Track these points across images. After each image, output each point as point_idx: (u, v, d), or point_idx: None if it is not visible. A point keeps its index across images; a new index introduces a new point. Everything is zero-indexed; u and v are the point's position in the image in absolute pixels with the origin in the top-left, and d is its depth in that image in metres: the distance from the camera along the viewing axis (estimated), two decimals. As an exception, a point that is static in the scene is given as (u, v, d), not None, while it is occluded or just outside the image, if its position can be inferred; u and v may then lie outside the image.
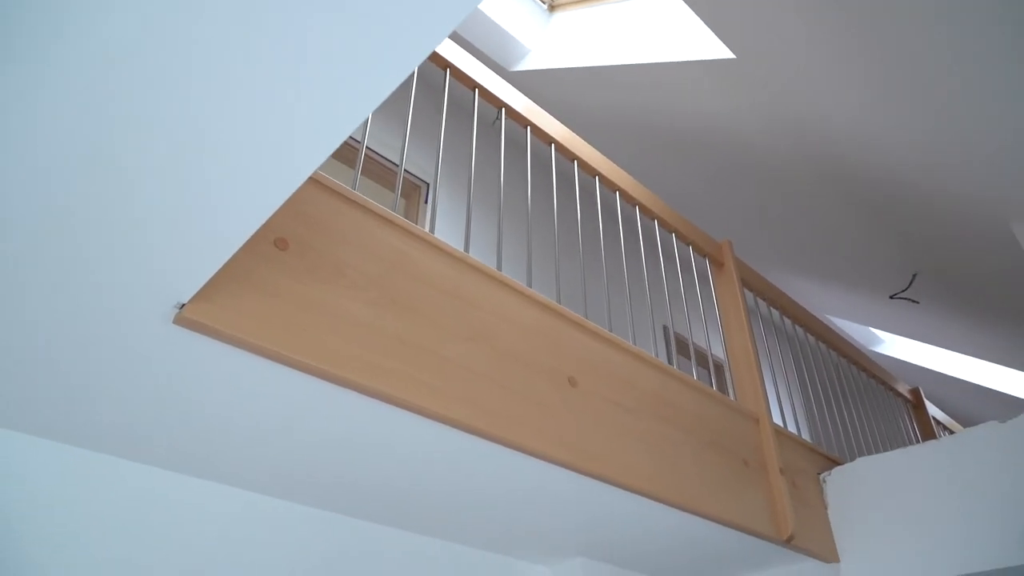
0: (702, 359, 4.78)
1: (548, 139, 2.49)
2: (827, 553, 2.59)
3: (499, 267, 2.03)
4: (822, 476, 2.83)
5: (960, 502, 2.42)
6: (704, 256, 3.05)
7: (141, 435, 1.69)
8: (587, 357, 2.06)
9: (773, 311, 3.43)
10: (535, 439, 1.77)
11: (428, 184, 3.93)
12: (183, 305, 1.30)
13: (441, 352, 1.67)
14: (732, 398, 2.72)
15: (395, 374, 1.55)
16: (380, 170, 3.72)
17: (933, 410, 4.62)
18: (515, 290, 1.96)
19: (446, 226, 3.59)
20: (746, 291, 3.15)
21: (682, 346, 4.67)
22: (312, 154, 1.11)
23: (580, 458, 1.86)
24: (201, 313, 1.31)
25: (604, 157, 2.70)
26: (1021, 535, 2.20)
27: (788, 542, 2.43)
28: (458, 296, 1.78)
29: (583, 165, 2.60)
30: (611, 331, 2.26)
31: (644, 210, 2.79)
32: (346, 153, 3.44)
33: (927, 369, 6.34)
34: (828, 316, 5.84)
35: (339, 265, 1.57)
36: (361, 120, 1.07)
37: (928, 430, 4.32)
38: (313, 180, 1.59)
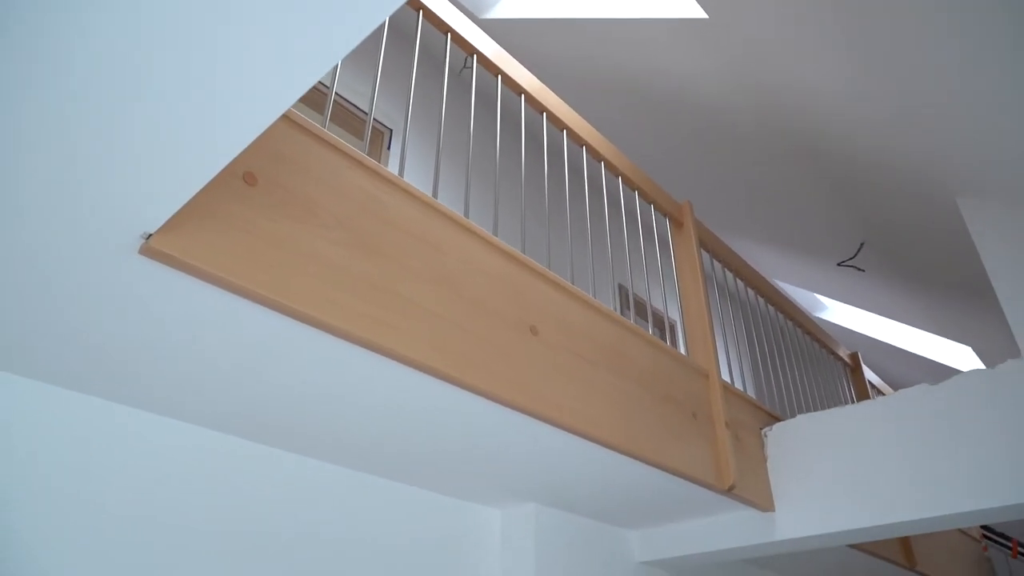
0: (656, 320, 4.89)
1: (518, 89, 2.48)
2: (764, 502, 2.73)
3: (466, 215, 2.04)
4: (764, 431, 2.97)
5: (887, 458, 2.58)
6: (665, 215, 3.11)
7: (104, 370, 1.68)
8: (549, 308, 2.11)
9: (727, 273, 3.53)
10: (496, 384, 1.81)
11: (391, 131, 3.88)
12: (149, 236, 1.28)
13: (408, 295, 1.68)
14: (684, 354, 2.81)
15: (362, 315, 1.56)
16: (343, 114, 3.65)
17: (869, 374, 4.85)
18: (482, 238, 1.97)
19: (409, 174, 3.56)
20: (702, 252, 3.23)
21: (637, 307, 4.77)
22: (286, 90, 1.09)
23: (538, 405, 1.92)
24: (168, 244, 1.30)
25: (573, 111, 2.70)
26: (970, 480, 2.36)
27: (729, 491, 2.56)
28: (426, 241, 1.80)
29: (552, 118, 2.60)
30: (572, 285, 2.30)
31: (609, 166, 2.81)
32: (313, 97, 3.38)
33: (866, 336, 6.62)
34: (778, 281, 6.03)
35: (308, 204, 1.56)
36: (339, 58, 1.06)
37: (863, 392, 4.54)
38: (284, 117, 1.56)
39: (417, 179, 3.52)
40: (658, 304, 5.23)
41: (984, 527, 6.09)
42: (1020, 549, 6.03)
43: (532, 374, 1.94)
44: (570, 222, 2.54)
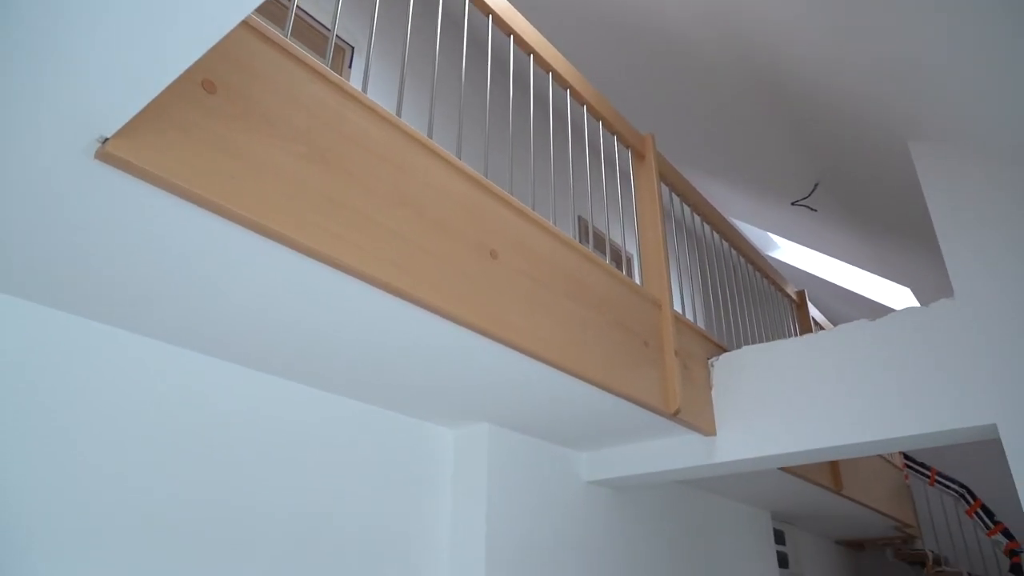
0: (613, 253, 4.96)
1: (486, 9, 2.43)
2: (707, 427, 2.87)
3: (430, 135, 2.03)
4: (710, 360, 3.10)
5: (822, 388, 2.72)
6: (627, 147, 3.12)
7: (55, 279, 1.65)
8: (509, 232, 2.13)
9: (685, 207, 3.59)
10: (455, 304, 1.84)
11: (353, 48, 3.76)
12: (105, 140, 1.25)
13: (369, 214, 1.68)
14: (639, 284, 2.88)
15: (322, 230, 1.56)
16: (304, 30, 3.52)
17: (814, 312, 5.05)
18: (446, 160, 1.97)
19: (371, 94, 3.48)
20: (662, 185, 3.27)
21: (596, 239, 4.83)
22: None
23: (496, 326, 1.96)
24: (124, 149, 1.27)
25: (540, 35, 2.66)
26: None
27: (674, 416, 2.68)
28: (389, 160, 1.79)
29: (519, 41, 2.56)
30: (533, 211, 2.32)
31: (575, 94, 2.80)
32: (274, 11, 3.24)
33: (813, 275, 6.85)
34: (733, 219, 6.14)
35: (269, 115, 1.53)
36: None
37: (807, 328, 4.74)
38: (246, 25, 1.51)
39: (379, 99, 3.45)
40: (616, 237, 5.29)
41: (906, 456, 6.52)
42: (938, 478, 6.49)
43: (491, 296, 1.97)
44: (533, 150, 2.54)
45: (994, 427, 2.36)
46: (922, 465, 6.56)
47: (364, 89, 1.88)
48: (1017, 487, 2.26)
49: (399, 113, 1.95)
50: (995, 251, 2.53)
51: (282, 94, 1.57)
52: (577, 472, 3.21)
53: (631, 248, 5.34)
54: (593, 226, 4.98)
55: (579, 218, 4.88)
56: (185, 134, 1.36)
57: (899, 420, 2.52)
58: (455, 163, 2.00)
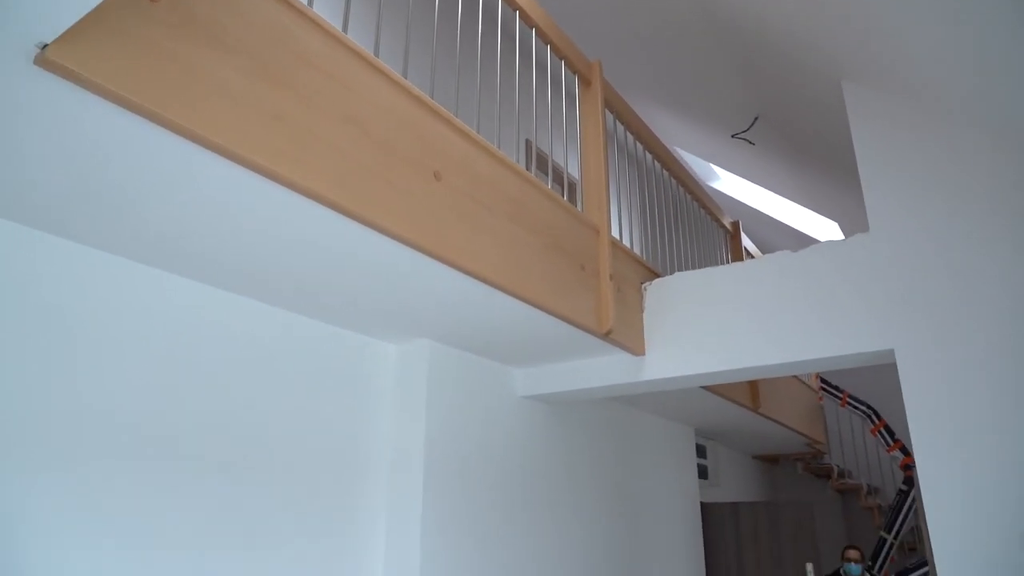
0: (557, 176, 5.02)
1: (436, -77, 2.38)
2: (636, 347, 3.05)
3: (376, 54, 2.02)
4: (643, 285, 3.25)
5: (746, 313, 2.91)
6: (574, 73, 3.15)
7: (-11, 181, 1.64)
8: (453, 154, 2.18)
9: (628, 135, 3.66)
10: (399, 223, 1.90)
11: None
12: (45, 46, 1.24)
13: (313, 131, 1.71)
14: (579, 209, 2.98)
15: (264, 144, 1.58)
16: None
17: (747, 242, 5.27)
18: (392, 80, 1.98)
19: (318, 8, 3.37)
20: (607, 112, 3.33)
21: (541, 163, 4.87)
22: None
23: (439, 246, 2.03)
24: (64, 56, 1.26)
25: (491, -47, 2.62)
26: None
27: (606, 336, 2.84)
28: (334, 78, 1.79)
29: (469, -42, 2.52)
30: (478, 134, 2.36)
31: (524, 16, 2.79)
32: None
33: (749, 206, 7.08)
34: (676, 148, 6.25)
35: (213, 27, 1.52)
36: None
37: (739, 257, 4.96)
38: (185, -73, 1.48)
39: (326, 15, 3.35)
40: (562, 161, 5.35)
41: (822, 380, 6.99)
42: (849, 399, 6.99)
43: (434, 217, 2.04)
44: (480, 72, 2.55)
45: (892, 352, 2.59)
46: (836, 388, 7.05)
47: (310, 3, 1.86)
48: (906, 405, 2.52)
49: (345, 30, 1.94)
50: (911, 191, 2.71)
51: (226, 6, 1.55)
52: (513, 387, 3.38)
53: (574, 171, 5.41)
54: (537, 148, 5.01)
55: (526, 141, 4.89)
56: (126, 42, 1.35)
57: (810, 344, 2.74)
58: (401, 83, 2.02)
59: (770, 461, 7.32)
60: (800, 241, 7.02)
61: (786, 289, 2.86)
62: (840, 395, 7.06)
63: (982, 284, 2.48)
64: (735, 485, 6.36)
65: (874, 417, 6.95)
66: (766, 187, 6.21)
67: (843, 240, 2.83)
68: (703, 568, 4.94)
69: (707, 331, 2.99)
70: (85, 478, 1.86)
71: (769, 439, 5.80)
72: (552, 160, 2.99)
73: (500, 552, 3.02)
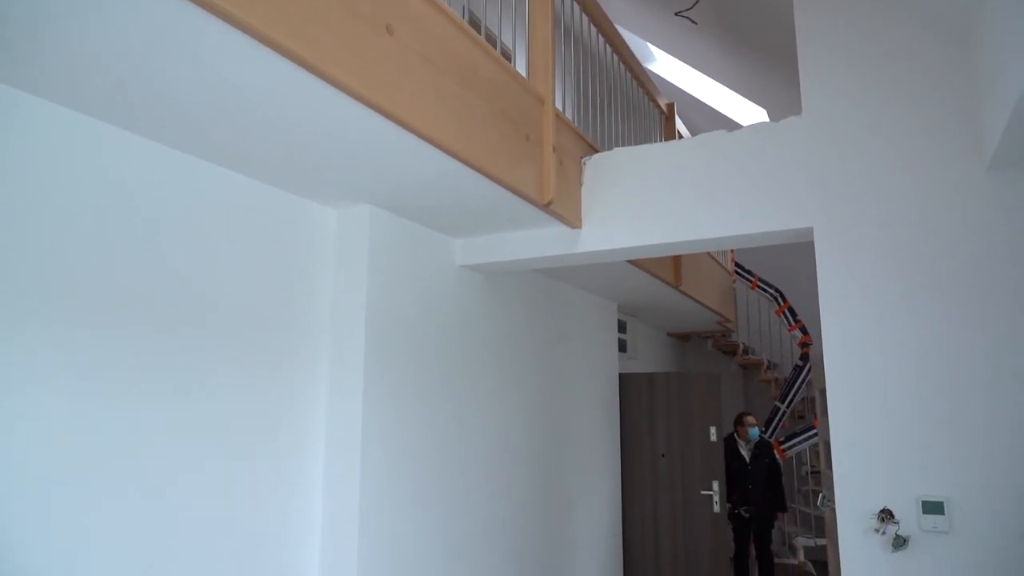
0: (503, 51, 4.88)
1: None
2: (574, 220, 3.13)
3: None
4: (583, 159, 3.29)
5: (679, 189, 3.02)
6: (525, -69, 3.01)
7: None
8: (406, 9, 2.09)
9: (574, 7, 3.57)
10: (349, 75, 1.85)
11: None
12: None
13: (264, -32, 1.60)
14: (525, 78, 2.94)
15: (216, -19, 1.49)
16: None
17: (680, 125, 5.35)
18: (342, -82, 1.85)
19: None
20: (556, -22, 3.22)
21: (474, 28, 4.70)
22: None
23: (387, 101, 1.99)
24: None
25: None
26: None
27: (547, 206, 2.90)
28: (283, -91, 1.66)
29: None
30: (429, -12, 2.26)
31: None
32: None
33: (683, 90, 7.12)
34: (617, 25, 6.14)
35: None
36: None
37: (672, 139, 5.05)
38: None
39: None
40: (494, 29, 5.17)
41: (736, 263, 7.38)
42: (759, 282, 7.44)
43: (384, 71, 1.98)
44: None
45: (810, 230, 2.78)
46: (748, 272, 7.47)
47: None
48: (819, 280, 2.73)
49: None
50: (846, 78, 2.80)
51: None
52: (451, 257, 3.43)
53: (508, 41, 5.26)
54: (470, 12, 4.82)
55: (470, 13, 4.69)
56: None
57: (738, 220, 2.89)
58: (352, -77, 1.89)
59: (682, 338, 7.81)
60: (729, 128, 7.16)
61: (719, 168, 2.97)
62: (751, 278, 7.51)
63: (904, 174, 2.65)
64: (651, 359, 6.78)
65: (780, 299, 7.45)
66: (701, 70, 6.24)
67: (776, 122, 2.93)
68: (618, 429, 5.35)
69: (642, 206, 3.09)
70: (23, 331, 1.82)
71: (685, 316, 6.16)
72: (485, 26, 2.91)
73: (438, 411, 3.18)
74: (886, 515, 2.48)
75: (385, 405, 2.86)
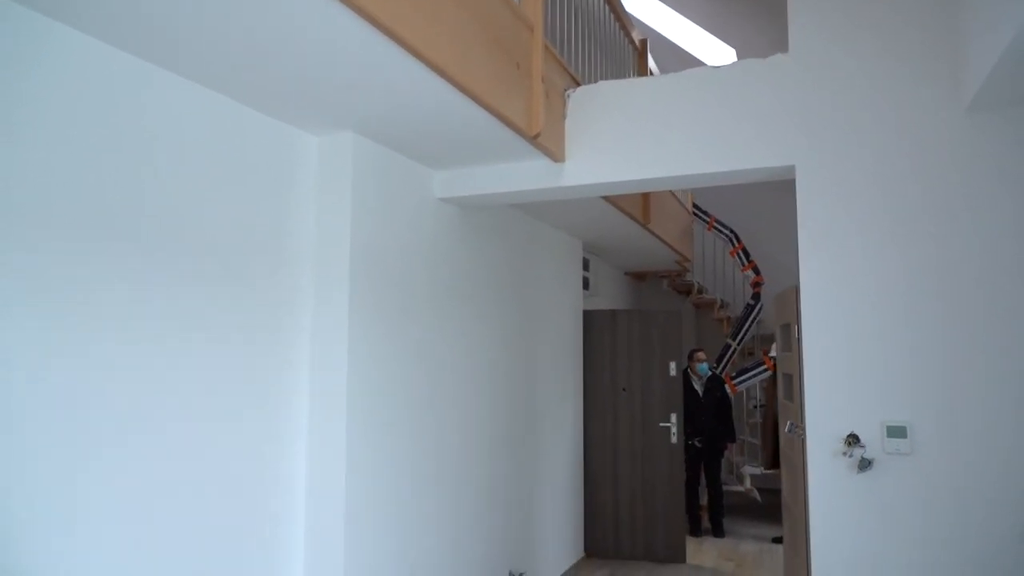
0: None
1: None
2: (558, 154, 3.11)
3: None
4: (567, 92, 3.26)
5: (664, 125, 3.03)
6: None
7: None
8: (408, -80, 1.99)
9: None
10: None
11: None
12: None
13: None
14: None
15: None
16: None
17: (651, 63, 5.32)
18: None
19: None
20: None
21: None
22: None
23: (388, 17, 1.91)
24: None
25: None
26: None
27: (535, 139, 2.87)
28: None
29: None
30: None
31: None
32: None
33: (652, 28, 7.05)
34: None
35: None
36: None
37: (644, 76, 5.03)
38: None
39: None
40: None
41: (694, 204, 7.50)
42: (715, 224, 7.60)
43: (388, -13, 1.90)
44: None
45: (792, 168, 2.84)
46: (705, 212, 7.61)
47: None
48: (799, 218, 2.81)
49: None
50: (833, 16, 2.82)
51: None
52: (430, 189, 3.38)
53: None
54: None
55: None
56: None
57: (721, 157, 2.93)
58: None
59: (638, 278, 7.95)
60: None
61: (705, 104, 2.99)
62: (708, 219, 7.65)
63: (885, 115, 2.72)
64: (610, 297, 6.90)
65: (734, 240, 7.64)
66: (671, 6, 6.18)
67: (762, 60, 2.95)
68: (582, 364, 5.48)
69: (627, 141, 3.09)
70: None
71: (647, 255, 6.27)
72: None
73: (419, 341, 3.19)
74: (852, 439, 2.64)
75: (370, 332, 2.85)
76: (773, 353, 6.49)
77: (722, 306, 7.88)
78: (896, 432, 2.60)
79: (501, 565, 3.97)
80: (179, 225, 2.22)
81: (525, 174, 3.25)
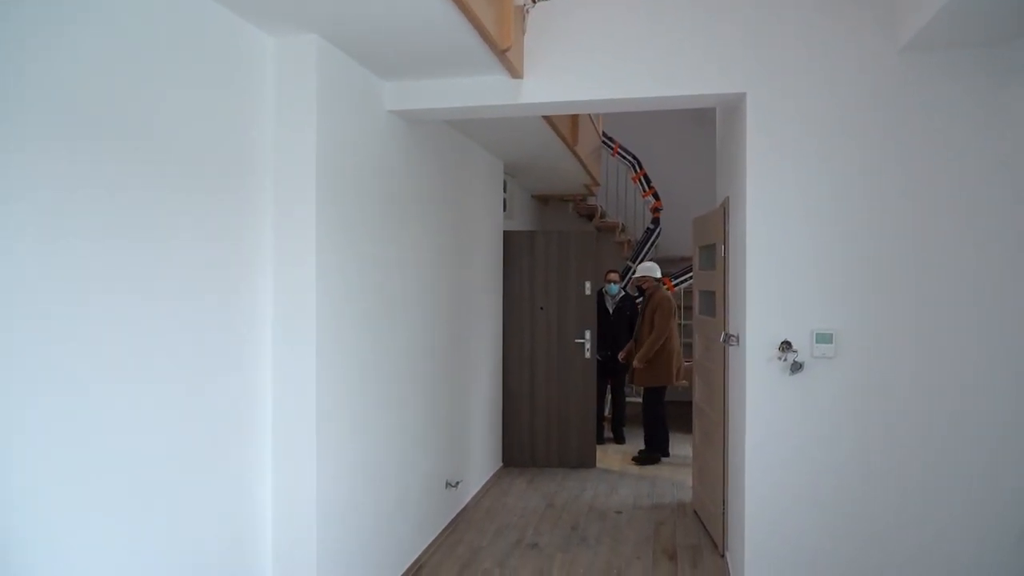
0: None
1: None
2: (517, 70, 3.10)
3: None
4: (526, 4, 3.21)
5: (623, 47, 3.08)
6: None
7: None
8: None
9: None
10: None
11: None
12: None
13: None
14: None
15: None
16: None
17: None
18: None
19: None
20: None
21: None
22: None
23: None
24: None
25: None
26: None
27: (504, 52, 2.84)
28: None
29: None
30: None
31: None
32: None
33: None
34: None
35: None
36: None
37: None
38: None
39: None
40: None
41: (605, 134, 7.67)
42: (619, 150, 7.84)
43: None
44: None
45: (744, 95, 3.01)
46: (610, 139, 7.82)
47: None
48: (747, 143, 3.00)
49: None
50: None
51: None
52: (380, 100, 3.27)
53: None
54: None
55: None
56: None
57: (677, 80, 3.04)
58: None
59: (543, 201, 8.10)
60: None
61: (662, 27, 3.06)
62: (612, 145, 7.87)
63: (832, 49, 2.92)
64: (521, 220, 7.01)
65: (637, 166, 7.93)
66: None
67: (718, -13, 3.05)
68: (502, 282, 5.60)
69: (583, 60, 3.13)
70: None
71: (562, 177, 6.39)
72: None
73: (374, 254, 3.16)
74: (785, 345, 2.95)
75: (334, 244, 2.79)
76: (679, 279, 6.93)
77: (623, 230, 8.23)
78: (823, 339, 2.93)
79: (439, 477, 4.12)
80: (127, 122, 2.04)
81: (481, 89, 3.22)
